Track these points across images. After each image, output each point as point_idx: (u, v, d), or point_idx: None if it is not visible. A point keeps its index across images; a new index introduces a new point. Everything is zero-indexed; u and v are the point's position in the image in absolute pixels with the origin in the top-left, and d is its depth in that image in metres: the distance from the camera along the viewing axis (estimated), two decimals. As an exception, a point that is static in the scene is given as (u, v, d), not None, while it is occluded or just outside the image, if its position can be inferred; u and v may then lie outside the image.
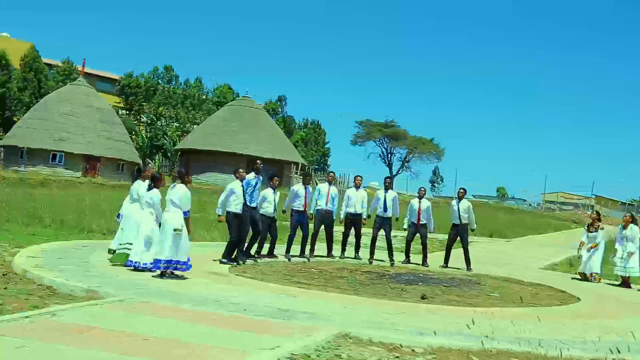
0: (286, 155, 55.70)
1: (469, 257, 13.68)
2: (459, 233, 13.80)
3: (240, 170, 11.90)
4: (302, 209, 13.30)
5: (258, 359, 5.40)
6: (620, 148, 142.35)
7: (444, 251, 14.29)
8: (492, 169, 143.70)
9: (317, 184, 12.32)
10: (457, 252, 13.96)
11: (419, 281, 11.61)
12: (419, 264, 13.98)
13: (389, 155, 79.63)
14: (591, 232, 13.80)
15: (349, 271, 12.39)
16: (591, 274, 13.49)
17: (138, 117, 71.00)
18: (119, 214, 11.28)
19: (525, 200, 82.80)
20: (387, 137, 77.93)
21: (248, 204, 11.90)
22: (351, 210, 13.83)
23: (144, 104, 70.27)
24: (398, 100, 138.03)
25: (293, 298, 8.58)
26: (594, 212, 14.64)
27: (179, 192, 9.51)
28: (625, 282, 13.05)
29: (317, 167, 75.46)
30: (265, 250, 12.97)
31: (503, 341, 6.65)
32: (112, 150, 50.18)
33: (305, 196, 13.32)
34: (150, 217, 9.89)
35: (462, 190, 14.26)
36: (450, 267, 13.78)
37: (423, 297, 9.70)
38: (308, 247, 13.70)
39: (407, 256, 14.19)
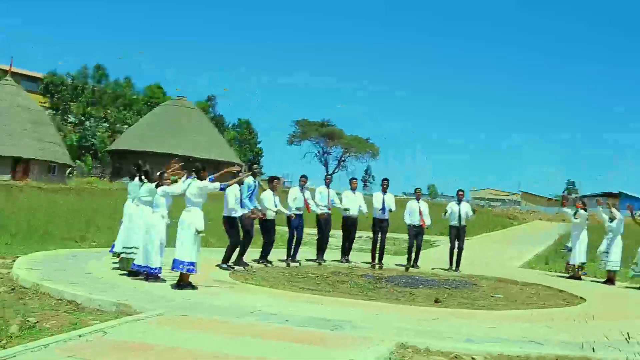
0: (223, 155, 55.21)
1: (461, 258, 13.85)
2: (457, 234, 13.93)
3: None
4: (299, 212, 13.19)
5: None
6: (545, 144, 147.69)
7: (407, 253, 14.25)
8: (425, 167, 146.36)
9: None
10: (430, 252, 14.04)
11: (419, 284, 11.67)
12: (401, 265, 14.06)
13: (325, 154, 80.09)
14: (576, 219, 14.03)
15: (344, 275, 12.35)
16: (579, 264, 13.59)
17: (65, 117, 68.54)
18: (121, 220, 10.85)
19: (454, 198, 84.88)
20: (323, 137, 78.37)
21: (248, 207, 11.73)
22: (349, 212, 13.79)
23: (71, 103, 67.90)
24: (334, 100, 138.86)
25: (320, 306, 8.45)
26: (579, 202, 14.90)
27: (192, 187, 9.19)
28: (610, 279, 13.26)
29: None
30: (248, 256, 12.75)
31: (554, 346, 6.69)
32: (44, 152, 48.45)
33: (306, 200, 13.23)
34: (162, 220, 9.55)
35: (461, 192, 14.41)
36: (439, 269, 13.88)
37: (437, 301, 9.75)
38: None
39: (410, 260, 14.14)
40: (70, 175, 55.36)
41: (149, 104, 70.47)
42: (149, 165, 10.42)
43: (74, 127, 67.61)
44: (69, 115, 68.92)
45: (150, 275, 9.40)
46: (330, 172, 74.76)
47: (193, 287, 9.02)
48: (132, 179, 10.62)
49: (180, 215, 9.21)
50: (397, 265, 14.18)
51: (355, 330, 6.96)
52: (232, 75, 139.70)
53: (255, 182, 12.22)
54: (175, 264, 8.98)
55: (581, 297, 10.76)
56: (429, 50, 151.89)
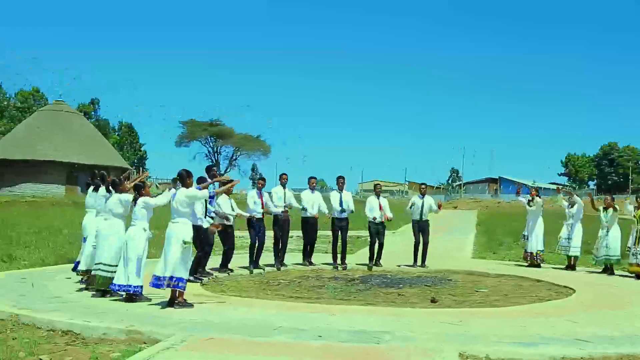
0: (109, 160, 52.52)
1: (426, 253, 13.65)
2: (421, 229, 13.68)
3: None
4: (259, 216, 12.50)
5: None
6: (430, 134, 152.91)
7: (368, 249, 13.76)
8: (315, 163, 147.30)
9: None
10: (389, 249, 13.74)
11: (398, 283, 11.31)
12: (363, 264, 13.69)
13: (216, 154, 78.47)
14: (530, 206, 14.16)
15: (315, 279, 11.83)
16: (537, 252, 13.70)
17: None
18: (84, 238, 9.76)
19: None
20: (213, 136, 76.76)
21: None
22: (306, 214, 13.22)
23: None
24: (223, 99, 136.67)
25: (333, 316, 7.87)
26: (534, 190, 15.11)
27: (184, 194, 8.37)
28: (571, 265, 13.45)
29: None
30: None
31: (606, 344, 6.51)
32: None
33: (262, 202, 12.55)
34: (142, 233, 8.61)
35: (424, 186, 14.18)
36: (403, 265, 13.60)
37: (433, 301, 9.44)
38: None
39: (372, 259, 13.72)
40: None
41: (22, 110, 66.19)
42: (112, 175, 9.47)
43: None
44: None
45: (134, 295, 8.46)
46: (222, 172, 73.34)
47: (189, 305, 8.20)
48: (96, 189, 9.58)
49: (167, 228, 8.38)
50: (358, 265, 13.71)
51: (403, 342, 6.47)
52: (118, 76, 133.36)
53: (214, 186, 11.46)
54: (161, 281, 8.15)
55: (565, 286, 10.84)
56: (312, 45, 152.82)
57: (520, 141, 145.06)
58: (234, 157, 78.05)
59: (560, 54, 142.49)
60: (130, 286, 8.45)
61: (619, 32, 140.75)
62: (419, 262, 13.56)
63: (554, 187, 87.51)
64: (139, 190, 8.82)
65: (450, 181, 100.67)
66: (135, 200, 8.75)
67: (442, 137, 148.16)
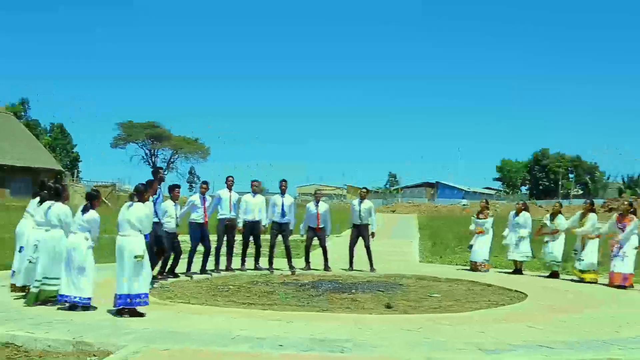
0: (41, 161, 50.68)
1: (372, 257, 13.54)
2: (360, 233, 13.57)
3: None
4: (202, 220, 12.12)
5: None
6: (367, 137, 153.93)
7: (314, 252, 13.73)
8: (252, 165, 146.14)
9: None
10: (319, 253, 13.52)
11: (350, 289, 11.10)
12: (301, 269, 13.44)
13: (153, 156, 76.96)
14: (480, 219, 14.21)
15: (264, 284, 11.55)
16: (482, 262, 13.83)
17: None
18: (21, 247, 9.15)
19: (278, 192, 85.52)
20: (150, 139, 75.24)
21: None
22: (249, 217, 12.89)
23: None
24: (161, 102, 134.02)
25: (291, 323, 7.63)
26: (483, 200, 15.22)
27: (138, 212, 7.99)
28: (518, 269, 13.62)
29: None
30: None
31: (569, 350, 6.49)
32: None
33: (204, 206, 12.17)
34: (84, 242, 8.17)
35: (364, 190, 14.04)
36: (340, 269, 13.44)
37: (388, 307, 9.30)
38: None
39: (307, 262, 13.58)
40: None
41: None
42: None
43: None
44: None
45: (80, 305, 8.00)
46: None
47: (140, 314, 7.82)
48: (41, 201, 9.02)
49: (117, 241, 8.00)
50: (290, 269, 13.19)
51: (367, 351, 6.30)
52: (49, 75, 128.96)
53: (160, 190, 11.06)
54: (122, 299, 7.75)
55: (516, 291, 10.86)
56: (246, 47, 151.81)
57: (456, 146, 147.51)
58: (172, 160, 76.84)
59: (496, 62, 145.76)
60: (78, 297, 8.00)
61: (552, 41, 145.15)
62: (353, 266, 13.49)
63: (489, 192, 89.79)
64: (92, 200, 8.39)
65: (388, 185, 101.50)
66: (85, 210, 8.28)
67: (380, 141, 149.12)
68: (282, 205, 13.11)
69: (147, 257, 7.98)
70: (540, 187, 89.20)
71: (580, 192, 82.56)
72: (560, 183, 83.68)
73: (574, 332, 7.38)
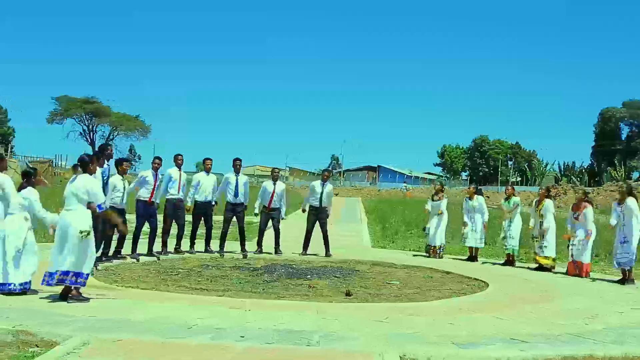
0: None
1: (329, 242, 13.14)
2: (318, 217, 13.15)
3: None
4: (149, 198, 11.51)
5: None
6: (311, 120, 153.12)
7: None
8: (196, 146, 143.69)
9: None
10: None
11: (304, 274, 10.66)
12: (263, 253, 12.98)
13: (92, 133, 74.47)
14: (435, 200, 14.03)
15: (215, 268, 11.04)
16: (440, 245, 13.61)
17: None
18: None
19: (222, 174, 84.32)
20: (89, 114, 72.71)
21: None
22: (201, 197, 12.32)
23: None
24: (100, 77, 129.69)
25: (248, 312, 7.17)
26: (439, 183, 15.00)
27: (86, 182, 7.34)
28: (474, 256, 13.40)
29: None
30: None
31: (543, 344, 6.20)
32: None
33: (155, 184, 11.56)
34: (24, 223, 7.51)
35: (327, 172, 13.63)
36: (296, 254, 13.02)
37: (348, 294, 8.90)
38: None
39: (260, 245, 13.07)
40: None
41: None
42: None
43: None
44: None
45: (19, 292, 7.36)
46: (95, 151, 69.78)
47: (85, 299, 7.23)
48: None
49: (60, 217, 7.36)
50: (242, 252, 12.72)
51: (336, 343, 5.88)
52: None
53: (108, 166, 10.44)
54: (51, 278, 7.13)
55: (476, 279, 10.61)
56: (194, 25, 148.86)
57: (398, 131, 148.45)
58: (111, 137, 74.40)
59: (438, 46, 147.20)
60: (12, 284, 7.36)
61: (485, 21, 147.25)
62: (307, 250, 13.14)
63: (430, 177, 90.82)
64: (28, 178, 7.72)
65: (331, 168, 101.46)
66: (21, 188, 7.62)
67: (323, 124, 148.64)
68: (237, 185, 12.58)
69: (92, 235, 7.35)
70: (480, 173, 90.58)
71: (519, 179, 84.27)
72: (499, 169, 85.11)
73: (545, 325, 7.09)
